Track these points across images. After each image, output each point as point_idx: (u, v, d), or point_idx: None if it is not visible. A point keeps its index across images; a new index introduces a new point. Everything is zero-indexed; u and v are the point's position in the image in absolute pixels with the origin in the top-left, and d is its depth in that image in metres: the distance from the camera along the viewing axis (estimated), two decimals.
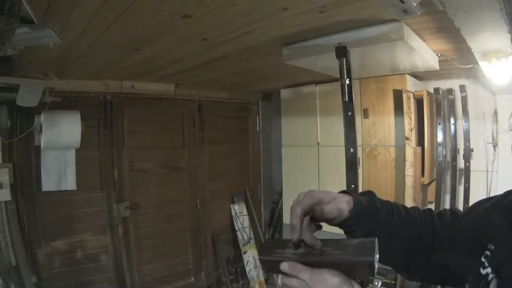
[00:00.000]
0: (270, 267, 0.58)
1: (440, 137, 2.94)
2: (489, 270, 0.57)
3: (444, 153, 2.95)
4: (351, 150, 1.82)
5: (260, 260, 0.59)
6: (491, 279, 0.55)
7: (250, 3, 1.34)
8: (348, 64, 1.78)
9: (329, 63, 2.00)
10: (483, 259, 0.58)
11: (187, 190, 3.38)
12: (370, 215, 0.65)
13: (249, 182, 3.91)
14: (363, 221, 0.64)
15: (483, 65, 2.02)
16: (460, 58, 2.23)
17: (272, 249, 0.59)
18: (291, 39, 1.88)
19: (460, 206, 2.89)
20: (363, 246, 0.54)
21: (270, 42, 1.89)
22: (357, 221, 0.64)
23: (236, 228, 3.62)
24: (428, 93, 2.77)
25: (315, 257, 0.54)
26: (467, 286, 0.60)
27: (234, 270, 3.60)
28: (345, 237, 0.63)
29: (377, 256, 0.53)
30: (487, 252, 0.59)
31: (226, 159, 3.70)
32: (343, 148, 1.85)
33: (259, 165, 4.05)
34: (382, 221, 0.66)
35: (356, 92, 2.81)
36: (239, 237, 3.60)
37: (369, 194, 0.69)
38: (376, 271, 0.52)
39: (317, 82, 3.21)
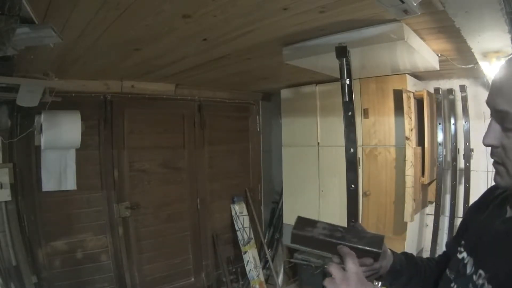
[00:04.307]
0: (300, 240, 0.74)
1: (440, 137, 2.94)
2: (464, 254, 0.66)
3: (444, 153, 2.95)
4: (351, 150, 1.82)
5: (292, 233, 0.74)
6: (467, 262, 0.64)
7: (250, 3, 1.34)
8: (348, 64, 1.78)
9: (329, 63, 2.00)
10: (459, 248, 0.70)
11: (187, 190, 3.38)
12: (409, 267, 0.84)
13: (249, 182, 3.91)
14: (405, 271, 0.83)
15: (483, 65, 2.02)
16: (460, 58, 2.23)
17: (304, 226, 0.74)
18: (291, 39, 1.88)
19: (460, 206, 2.89)
20: (374, 240, 0.72)
21: (270, 42, 1.89)
22: (401, 269, 0.83)
23: (236, 228, 3.62)
24: (428, 93, 2.77)
25: (339, 240, 0.71)
26: (447, 271, 0.70)
27: (234, 270, 3.60)
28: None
29: (383, 248, 0.71)
30: (462, 242, 0.70)
31: (226, 159, 3.70)
32: (343, 148, 1.85)
33: (259, 165, 4.05)
34: (421, 272, 0.85)
35: (356, 92, 2.81)
36: (239, 237, 3.60)
37: (406, 253, 0.89)
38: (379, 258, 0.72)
39: (317, 82, 3.21)
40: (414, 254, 0.89)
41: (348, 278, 0.63)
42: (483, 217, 0.68)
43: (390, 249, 0.83)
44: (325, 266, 0.72)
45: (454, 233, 0.88)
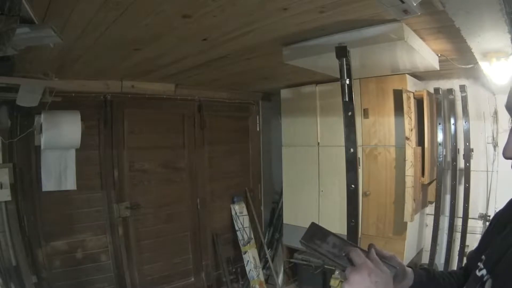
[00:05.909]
0: (307, 249, 0.70)
1: (440, 137, 2.94)
2: (484, 272, 0.63)
3: (444, 153, 2.95)
4: (351, 150, 1.82)
5: (301, 242, 0.70)
6: (486, 280, 0.61)
7: (250, 3, 1.34)
8: (348, 64, 1.78)
9: (329, 63, 2.00)
10: (479, 263, 0.66)
11: (187, 190, 3.38)
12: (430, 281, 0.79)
13: (249, 182, 3.91)
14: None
15: (483, 65, 2.02)
16: (460, 58, 2.23)
17: (313, 237, 0.69)
18: (291, 39, 1.88)
19: (460, 206, 2.89)
20: None
21: (270, 42, 1.89)
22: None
23: (236, 228, 3.62)
24: (428, 93, 2.77)
25: (346, 264, 0.66)
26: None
27: (234, 270, 3.60)
28: None
29: (399, 271, 0.65)
30: (483, 257, 0.66)
31: (226, 159, 3.70)
32: (343, 148, 1.85)
33: (259, 165, 4.05)
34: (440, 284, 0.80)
35: (356, 92, 2.81)
36: (239, 237, 3.60)
37: (428, 271, 0.82)
38: None
39: (317, 82, 3.21)
40: (414, 254, 0.86)
41: (352, 274, 0.61)
42: (504, 234, 0.65)
43: (410, 267, 0.77)
44: (325, 266, 0.68)
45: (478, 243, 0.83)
